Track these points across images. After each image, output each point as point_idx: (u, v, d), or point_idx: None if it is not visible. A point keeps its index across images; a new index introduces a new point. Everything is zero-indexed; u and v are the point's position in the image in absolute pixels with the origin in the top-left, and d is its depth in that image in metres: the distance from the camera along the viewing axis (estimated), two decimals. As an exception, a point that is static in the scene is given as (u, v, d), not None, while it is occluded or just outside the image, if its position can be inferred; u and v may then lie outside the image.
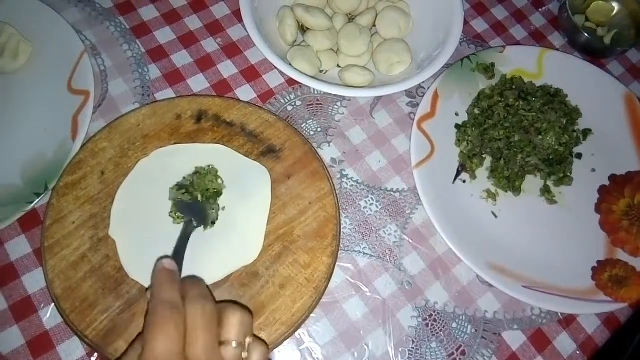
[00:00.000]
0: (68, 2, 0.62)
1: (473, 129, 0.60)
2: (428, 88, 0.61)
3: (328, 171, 0.55)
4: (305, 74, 0.56)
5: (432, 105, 0.61)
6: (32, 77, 0.57)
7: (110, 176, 0.50)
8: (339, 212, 0.53)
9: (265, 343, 0.38)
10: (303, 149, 0.55)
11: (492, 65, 0.64)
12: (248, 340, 0.35)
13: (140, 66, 0.60)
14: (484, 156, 0.60)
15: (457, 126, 0.61)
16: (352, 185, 0.58)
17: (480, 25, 0.71)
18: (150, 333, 0.31)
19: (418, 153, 0.57)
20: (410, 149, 0.58)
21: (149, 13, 0.63)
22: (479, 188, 0.59)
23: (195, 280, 0.37)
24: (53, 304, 0.48)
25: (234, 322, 0.34)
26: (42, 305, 0.49)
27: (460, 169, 0.59)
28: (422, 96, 0.63)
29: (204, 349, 0.31)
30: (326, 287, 0.50)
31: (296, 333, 0.50)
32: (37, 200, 0.50)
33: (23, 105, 0.55)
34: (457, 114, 0.62)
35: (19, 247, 0.51)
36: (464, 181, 0.59)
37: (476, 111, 0.62)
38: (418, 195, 0.57)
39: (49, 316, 0.48)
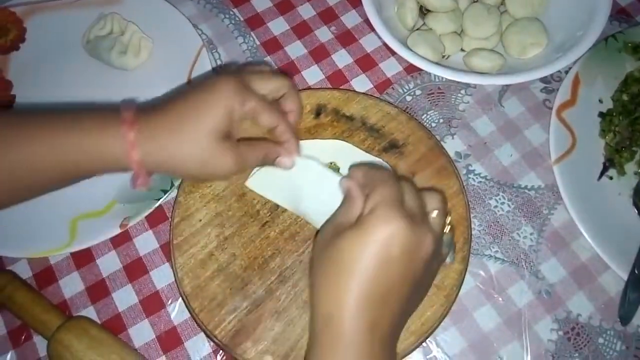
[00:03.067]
0: (184, -4, 0.62)
1: (621, 118, 0.53)
2: (566, 72, 0.55)
3: (456, 167, 0.50)
4: (429, 60, 0.52)
5: (573, 91, 0.54)
6: (153, 73, 0.58)
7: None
8: (469, 213, 0.48)
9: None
10: (428, 144, 0.51)
11: (643, 43, 0.56)
12: (447, 218, 0.41)
13: (255, 59, 0.59)
14: (634, 149, 0.52)
15: (601, 115, 0.54)
16: (480, 182, 0.53)
17: (624, -3, 0.62)
18: (379, 182, 0.38)
19: (558, 146, 0.51)
20: (549, 142, 0.52)
21: (262, 3, 0.62)
22: (629, 186, 0.51)
23: None
24: (180, 300, 0.49)
25: (436, 197, 0.40)
26: (170, 301, 0.49)
27: (606, 164, 0.52)
28: (559, 81, 0.56)
29: (416, 203, 0.38)
30: (457, 295, 0.46)
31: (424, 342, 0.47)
32: (163, 197, 0.51)
33: (145, 100, 0.56)
34: (601, 101, 0.54)
35: (147, 243, 0.52)
36: (611, 178, 0.52)
37: (624, 97, 0.54)
38: (557, 193, 0.51)
39: (176, 312, 0.49)
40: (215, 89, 0.40)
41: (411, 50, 0.53)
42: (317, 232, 0.42)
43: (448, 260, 0.43)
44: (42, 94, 0.58)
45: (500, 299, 0.48)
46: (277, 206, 0.49)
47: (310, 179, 0.45)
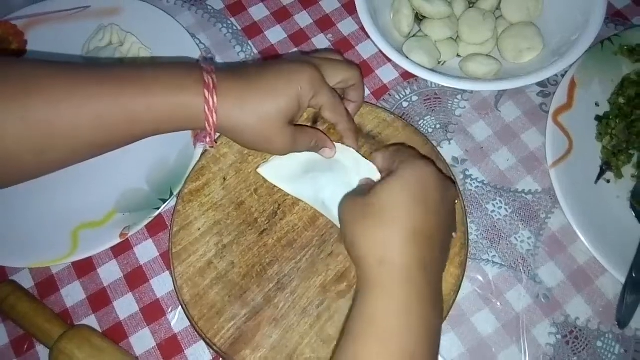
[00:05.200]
0: (182, 6, 0.63)
1: (617, 121, 0.53)
2: (562, 76, 0.55)
3: (452, 173, 0.51)
4: (424, 67, 0.52)
5: (569, 95, 0.54)
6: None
7: (231, 182, 0.50)
8: (466, 218, 0.49)
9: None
10: (424, 150, 0.51)
11: (638, 46, 0.56)
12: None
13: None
14: (631, 152, 0.52)
15: (598, 118, 0.54)
16: (477, 187, 0.53)
17: (620, 0, 0.62)
18: (405, 154, 0.44)
19: (555, 150, 0.51)
20: (545, 146, 0.52)
21: (259, 12, 0.62)
22: (626, 189, 0.51)
23: None
24: (180, 308, 0.49)
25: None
26: (170, 309, 0.50)
27: (603, 167, 0.52)
28: (555, 84, 0.56)
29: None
30: (454, 300, 0.46)
31: (422, 347, 0.47)
32: (163, 206, 0.51)
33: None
34: (597, 104, 0.55)
35: (147, 252, 0.52)
36: (608, 181, 0.52)
37: (621, 100, 0.54)
38: (554, 197, 0.51)
39: (176, 320, 0.49)
40: (293, 74, 0.42)
41: (407, 57, 0.54)
42: (340, 206, 0.43)
43: (454, 235, 0.45)
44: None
45: (498, 303, 0.48)
46: (275, 214, 0.49)
47: (344, 165, 0.48)
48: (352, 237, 0.39)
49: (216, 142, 0.46)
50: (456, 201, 0.45)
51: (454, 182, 0.45)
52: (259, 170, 0.49)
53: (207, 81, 0.39)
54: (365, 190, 0.41)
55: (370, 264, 0.37)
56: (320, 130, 0.48)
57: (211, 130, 0.40)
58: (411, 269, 0.36)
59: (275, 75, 0.42)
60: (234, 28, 0.62)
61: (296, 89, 0.41)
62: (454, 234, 0.44)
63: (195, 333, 0.47)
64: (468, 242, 0.48)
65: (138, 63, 0.42)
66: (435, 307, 0.37)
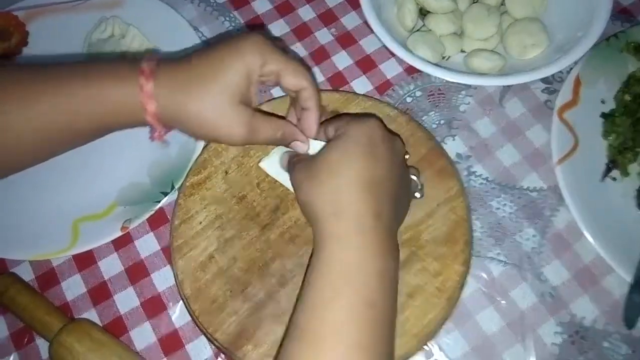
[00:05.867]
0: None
1: (623, 119, 0.52)
2: (568, 72, 0.54)
3: (456, 168, 0.50)
4: (429, 61, 0.52)
5: (574, 92, 0.53)
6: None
7: (233, 176, 0.50)
8: (470, 215, 0.48)
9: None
10: (428, 145, 0.50)
11: (645, 43, 0.55)
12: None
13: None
14: (637, 150, 0.52)
15: (603, 115, 0.53)
16: (481, 184, 0.53)
17: (626, -4, 0.61)
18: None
19: (560, 147, 0.51)
20: (551, 143, 0.51)
21: (262, 6, 0.62)
22: (632, 187, 0.51)
23: None
24: (180, 303, 0.49)
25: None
26: (171, 304, 0.49)
27: (609, 165, 0.51)
28: (560, 81, 0.56)
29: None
30: (459, 297, 0.46)
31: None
32: (164, 199, 0.51)
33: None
34: (603, 102, 0.54)
35: (148, 245, 0.52)
36: (614, 179, 0.51)
37: (627, 98, 0.53)
38: (559, 195, 0.50)
39: (177, 315, 0.49)
40: (237, 46, 0.38)
41: (411, 51, 0.53)
42: (291, 172, 0.42)
43: (417, 195, 0.45)
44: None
45: (503, 301, 0.48)
46: (278, 208, 0.49)
47: None
48: (305, 196, 0.39)
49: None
50: (406, 156, 0.44)
51: (400, 137, 0.44)
52: (261, 164, 0.49)
53: (143, 68, 0.37)
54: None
55: (324, 218, 0.37)
56: (292, 123, 0.43)
57: (153, 120, 0.38)
58: (365, 217, 0.36)
59: (218, 52, 0.38)
60: (237, 21, 0.61)
61: (241, 60, 0.38)
62: (416, 195, 0.45)
63: (197, 328, 0.47)
64: (472, 239, 0.47)
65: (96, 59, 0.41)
66: (393, 256, 0.38)
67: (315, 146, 0.43)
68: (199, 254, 0.47)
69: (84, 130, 0.39)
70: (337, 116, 0.45)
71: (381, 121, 0.41)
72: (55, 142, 0.38)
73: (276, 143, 0.43)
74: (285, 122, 0.43)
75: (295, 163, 0.42)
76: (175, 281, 0.47)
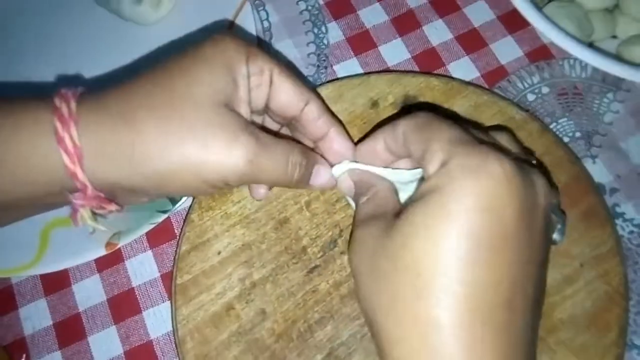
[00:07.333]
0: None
1: None
2: None
3: (610, 212, 0.33)
4: (580, 40, 0.35)
5: None
6: (176, 33, 0.42)
7: (273, 188, 0.33)
8: (627, 285, 0.32)
9: None
10: (570, 171, 0.34)
11: None
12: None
13: (316, 25, 0.43)
14: None
15: None
16: (631, 233, 0.36)
17: None
18: (430, 130, 0.25)
19: None
20: None
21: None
22: None
23: None
24: None
25: (505, 134, 0.28)
26: (167, 359, 0.35)
27: None
28: None
29: (491, 140, 0.27)
30: (602, 413, 0.30)
31: None
32: (172, 210, 0.35)
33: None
34: None
35: (144, 268, 0.37)
36: None
37: None
38: None
39: (175, 377, 0.34)
40: (213, 42, 0.26)
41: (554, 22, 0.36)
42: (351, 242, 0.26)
43: (556, 237, 0.26)
44: (39, 49, 0.43)
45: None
46: (335, 243, 0.33)
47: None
48: (365, 301, 0.24)
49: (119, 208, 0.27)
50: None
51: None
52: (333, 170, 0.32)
53: (57, 105, 0.23)
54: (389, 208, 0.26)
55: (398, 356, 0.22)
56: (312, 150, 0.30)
57: (85, 191, 0.24)
58: None
59: (182, 61, 0.26)
60: (317, 3, 0.44)
61: (219, 54, 0.26)
62: (555, 237, 0.26)
63: (199, 403, 0.32)
64: (627, 326, 0.31)
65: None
66: None
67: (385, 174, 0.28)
68: (212, 301, 0.32)
69: None
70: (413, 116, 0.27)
71: (528, 159, 0.25)
72: None
73: (289, 174, 0.27)
74: (302, 147, 0.29)
75: (364, 213, 0.27)
76: (174, 336, 0.32)
